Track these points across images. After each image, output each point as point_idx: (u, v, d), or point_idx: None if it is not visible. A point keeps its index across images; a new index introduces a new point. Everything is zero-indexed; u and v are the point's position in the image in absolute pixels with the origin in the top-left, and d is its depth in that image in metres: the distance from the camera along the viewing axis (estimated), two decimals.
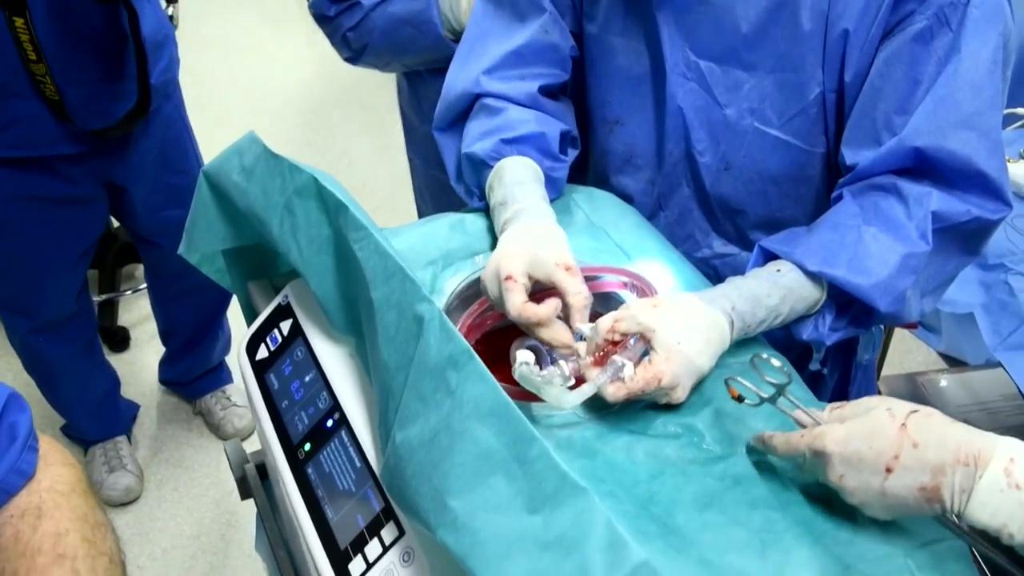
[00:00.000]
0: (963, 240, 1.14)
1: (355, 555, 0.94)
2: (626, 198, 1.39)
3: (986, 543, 0.83)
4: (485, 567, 0.73)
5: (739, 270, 1.16)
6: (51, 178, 2.01)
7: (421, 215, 2.22)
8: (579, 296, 1.05)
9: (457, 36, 1.75)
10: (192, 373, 2.74)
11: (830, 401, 1.11)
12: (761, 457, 0.97)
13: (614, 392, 0.97)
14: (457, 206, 1.33)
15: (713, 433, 1.01)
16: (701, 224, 1.36)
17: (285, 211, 1.07)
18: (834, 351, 1.38)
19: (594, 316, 1.06)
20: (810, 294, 1.11)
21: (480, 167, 1.26)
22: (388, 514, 0.93)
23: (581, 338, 1.05)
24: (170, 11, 4.90)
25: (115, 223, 3.02)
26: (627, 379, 0.97)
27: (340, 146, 4.13)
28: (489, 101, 1.28)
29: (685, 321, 1.02)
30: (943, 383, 2.06)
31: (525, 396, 1.00)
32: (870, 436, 0.85)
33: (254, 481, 1.33)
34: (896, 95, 1.11)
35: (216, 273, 1.32)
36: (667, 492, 0.93)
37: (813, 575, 0.85)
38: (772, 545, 0.88)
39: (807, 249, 1.11)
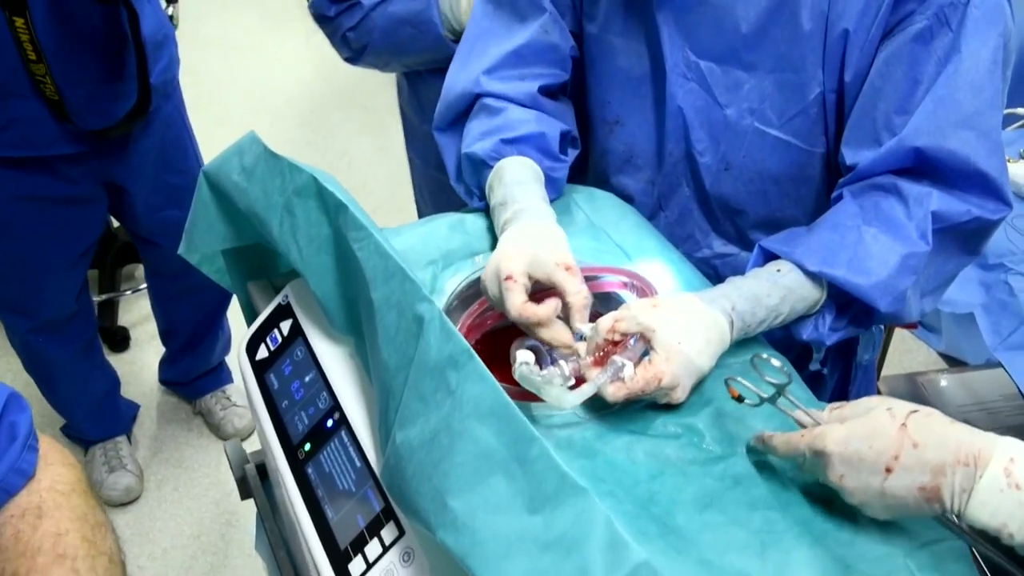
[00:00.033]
0: (963, 240, 1.14)
1: (355, 555, 0.94)
2: (626, 198, 1.39)
3: (986, 543, 0.83)
4: (485, 567, 0.73)
5: (739, 270, 1.16)
6: (51, 178, 2.01)
7: (421, 215, 2.22)
8: (579, 296, 1.05)
9: (457, 36, 1.75)
10: (192, 373, 2.74)
11: (830, 401, 1.11)
12: (761, 457, 0.97)
13: (614, 392, 0.97)
14: (457, 206, 1.33)
15: (713, 433, 1.01)
16: (701, 224, 1.36)
17: (285, 211, 1.07)
18: (834, 351, 1.38)
19: (594, 316, 1.06)
20: (810, 294, 1.11)
21: (480, 167, 1.26)
22: (388, 514, 0.93)
23: (581, 338, 1.05)
24: (170, 11, 4.88)
25: (115, 223, 3.02)
26: (627, 379, 0.97)
27: (340, 146, 4.13)
28: (489, 101, 1.28)
29: (685, 321, 1.02)
30: (943, 383, 2.06)
31: (525, 396, 1.00)
32: (870, 436, 0.85)
33: (254, 481, 1.33)
34: (896, 95, 1.11)
35: (216, 273, 1.32)
36: (667, 492, 0.93)
37: (813, 575, 0.85)
38: (772, 545, 0.88)
39: (807, 249, 1.11)
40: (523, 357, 1.01)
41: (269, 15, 5.13)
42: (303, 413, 1.08)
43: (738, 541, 0.88)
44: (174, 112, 2.18)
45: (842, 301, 1.13)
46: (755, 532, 0.89)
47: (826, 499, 0.92)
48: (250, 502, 1.36)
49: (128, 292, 3.18)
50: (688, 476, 0.95)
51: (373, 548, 0.93)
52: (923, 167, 1.11)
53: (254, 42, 4.96)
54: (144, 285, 2.85)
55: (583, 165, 1.46)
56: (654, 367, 0.98)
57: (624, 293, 1.18)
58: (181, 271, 2.17)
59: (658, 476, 0.95)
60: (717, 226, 1.36)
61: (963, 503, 0.80)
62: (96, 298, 2.97)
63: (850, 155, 1.16)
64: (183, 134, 2.24)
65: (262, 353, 1.19)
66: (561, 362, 1.02)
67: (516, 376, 0.99)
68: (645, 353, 1.00)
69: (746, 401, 0.99)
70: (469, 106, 1.31)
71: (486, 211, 1.27)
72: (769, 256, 1.15)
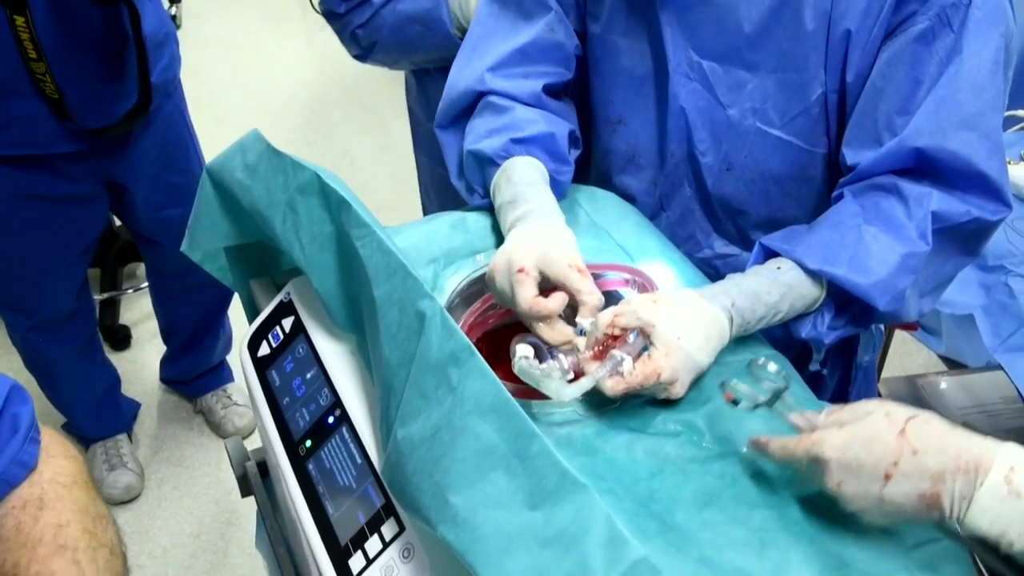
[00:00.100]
0: (962, 241, 1.14)
1: (355, 551, 0.94)
2: (628, 198, 1.39)
3: (985, 550, 0.83)
4: (485, 563, 0.73)
5: (740, 271, 1.16)
6: (51, 176, 2.02)
7: (426, 213, 2.23)
8: (594, 296, 1.05)
9: (465, 34, 1.76)
10: (193, 372, 2.74)
11: (830, 401, 1.11)
12: (759, 457, 0.97)
13: (613, 386, 0.98)
14: (462, 205, 1.33)
15: (713, 431, 1.01)
16: (703, 224, 1.36)
17: (288, 208, 1.07)
18: (834, 352, 1.38)
19: None
20: (809, 292, 1.11)
21: (486, 165, 1.26)
22: (388, 510, 0.93)
23: (581, 332, 1.05)
24: (173, 11, 4.89)
25: (117, 222, 3.02)
26: (626, 373, 0.98)
27: (341, 146, 4.14)
28: (494, 99, 1.28)
29: (685, 317, 1.02)
30: (943, 385, 2.06)
31: (526, 394, 1.00)
32: (869, 442, 0.84)
33: (255, 478, 1.34)
34: (897, 95, 1.11)
35: (218, 271, 1.33)
36: (667, 490, 0.93)
37: (811, 573, 0.85)
38: (771, 543, 0.88)
39: (807, 247, 1.11)
40: (523, 351, 1.01)
41: (269, 15, 5.14)
42: (304, 410, 1.09)
43: (737, 539, 0.88)
44: (175, 111, 2.18)
45: (841, 300, 1.13)
46: (754, 530, 0.89)
47: (825, 498, 0.92)
48: (250, 501, 1.37)
49: (129, 291, 3.18)
50: (688, 474, 0.95)
51: (373, 544, 0.93)
52: (924, 167, 1.11)
53: (254, 42, 4.96)
54: (145, 284, 2.85)
55: (585, 164, 1.46)
56: (653, 362, 0.99)
57: (625, 290, 1.18)
58: (182, 270, 2.18)
59: (658, 474, 0.95)
60: (719, 226, 1.36)
61: (963, 510, 0.80)
62: (97, 297, 2.97)
63: (851, 155, 1.16)
64: (184, 133, 2.24)
65: (264, 350, 1.19)
66: (560, 356, 1.02)
67: (516, 370, 1.00)
68: (645, 348, 1.01)
69: (741, 405, 0.99)
70: (472, 103, 1.31)
71: (489, 210, 1.27)
72: (769, 254, 1.16)
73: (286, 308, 1.20)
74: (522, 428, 0.76)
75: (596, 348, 1.02)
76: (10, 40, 1.77)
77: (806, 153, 1.23)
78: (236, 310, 2.33)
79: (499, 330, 1.16)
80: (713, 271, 1.37)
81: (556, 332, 1.05)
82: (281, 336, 1.18)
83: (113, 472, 2.54)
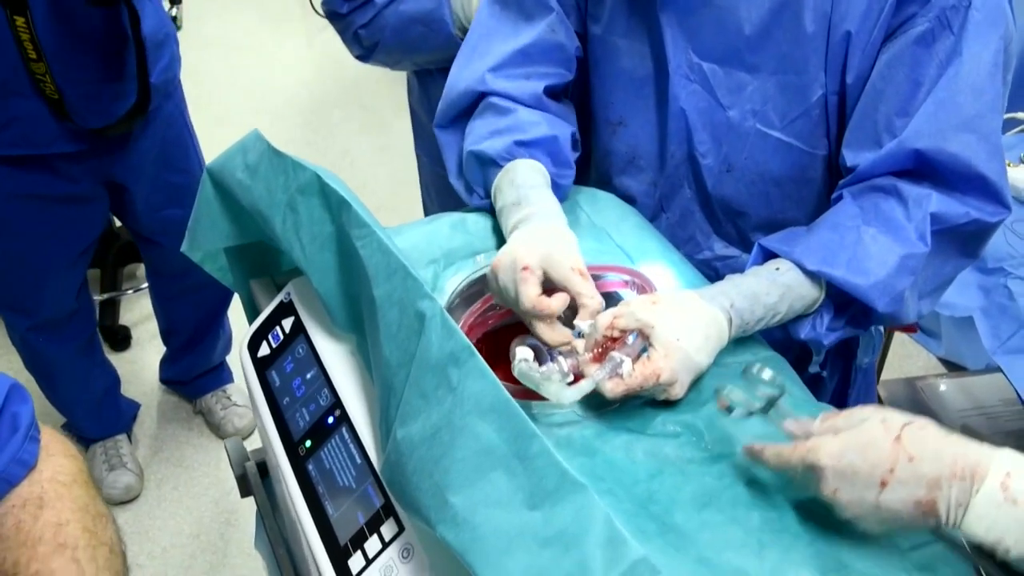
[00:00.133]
0: (962, 242, 1.15)
1: (355, 551, 0.94)
2: (628, 199, 1.39)
3: (982, 556, 0.83)
4: (485, 562, 0.73)
5: (740, 272, 1.16)
6: (51, 176, 2.02)
7: (427, 213, 2.23)
8: (595, 300, 1.05)
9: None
10: (193, 372, 2.74)
11: (830, 403, 1.11)
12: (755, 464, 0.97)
13: (612, 388, 0.98)
14: (464, 204, 1.34)
15: (712, 433, 1.01)
16: (703, 226, 1.37)
17: (288, 208, 1.07)
18: (834, 354, 1.38)
19: None
20: (808, 293, 1.11)
21: (488, 165, 1.25)
22: (388, 510, 0.93)
23: (580, 335, 1.05)
24: (173, 12, 4.88)
25: (117, 223, 3.02)
26: (625, 375, 0.98)
27: (341, 146, 4.14)
28: (496, 100, 1.28)
29: (684, 318, 1.02)
30: (942, 388, 2.06)
31: (526, 395, 1.00)
32: (864, 449, 0.84)
33: (254, 479, 1.34)
34: (897, 97, 1.11)
35: (218, 271, 1.33)
36: (666, 491, 0.93)
37: (810, 575, 0.85)
38: (770, 544, 0.88)
39: (806, 248, 1.11)
40: (522, 354, 1.01)
41: (269, 15, 5.14)
42: (304, 410, 1.09)
43: (736, 540, 0.88)
44: (175, 111, 2.18)
45: (840, 301, 1.13)
46: (753, 531, 0.89)
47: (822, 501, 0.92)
48: (249, 501, 1.37)
49: (130, 291, 3.18)
50: (687, 475, 0.95)
51: (373, 544, 0.93)
52: (923, 169, 1.11)
53: (255, 42, 4.96)
54: (145, 284, 2.85)
55: (585, 166, 1.46)
56: (653, 363, 0.99)
57: (625, 292, 1.19)
58: (182, 270, 2.18)
59: (657, 475, 0.95)
60: (719, 228, 1.36)
61: (959, 517, 0.80)
62: (98, 297, 2.97)
63: (851, 156, 1.16)
64: (184, 133, 2.24)
65: (264, 350, 1.19)
66: (560, 358, 1.02)
67: (515, 372, 1.00)
68: (644, 350, 1.01)
69: (736, 412, 0.98)
70: (472, 104, 1.31)
71: (489, 210, 1.27)
72: (768, 255, 1.16)
73: (286, 308, 1.20)
74: (522, 428, 0.76)
75: (595, 350, 1.02)
76: (10, 40, 1.77)
77: (806, 155, 1.24)
78: (236, 311, 2.33)
79: (499, 331, 1.16)
80: (713, 273, 1.37)
81: (556, 332, 1.05)
82: (281, 336, 1.18)
83: (113, 472, 2.54)
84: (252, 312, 1.34)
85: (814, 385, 1.33)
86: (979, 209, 1.11)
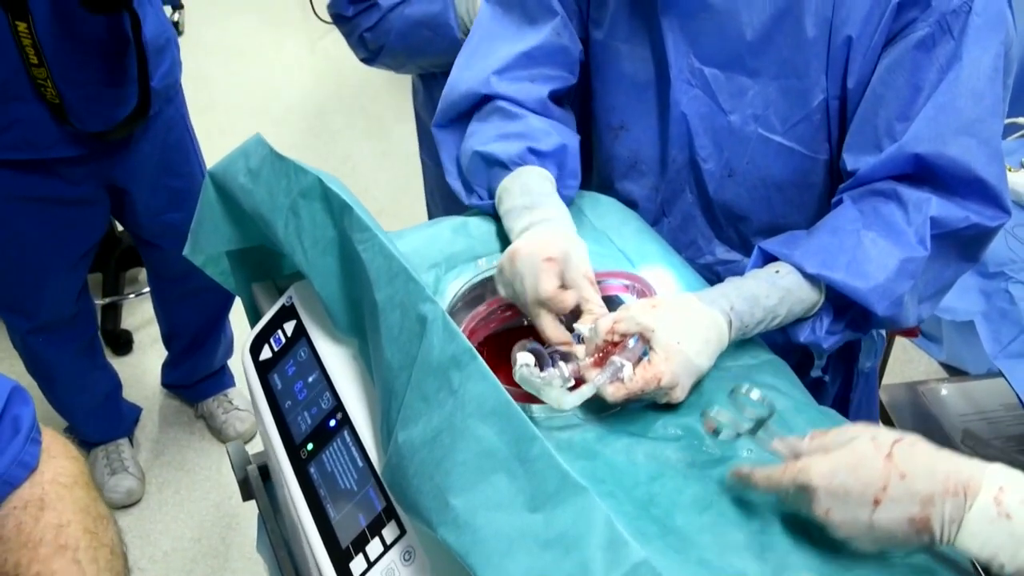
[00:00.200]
0: (961, 246, 1.15)
1: (356, 554, 0.94)
2: (630, 204, 1.39)
3: (975, 574, 0.83)
4: (486, 565, 0.73)
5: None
6: (52, 180, 2.02)
7: (431, 216, 2.23)
8: (600, 310, 1.07)
9: None
10: (194, 376, 2.74)
11: (832, 407, 1.11)
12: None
13: (613, 392, 0.98)
14: (468, 208, 1.34)
15: (713, 435, 1.01)
16: (704, 231, 1.37)
17: (290, 212, 1.08)
18: (835, 358, 1.38)
19: None
20: (808, 296, 1.11)
21: (495, 167, 1.25)
22: (389, 513, 0.94)
23: (580, 339, 1.05)
24: (175, 17, 4.89)
25: (119, 227, 3.03)
26: (626, 379, 0.98)
27: (342, 151, 4.14)
28: (503, 104, 1.28)
29: (684, 321, 1.02)
30: (944, 392, 2.06)
31: (527, 399, 1.00)
32: (855, 468, 0.83)
33: (256, 482, 1.34)
34: (898, 101, 1.12)
35: (220, 275, 1.33)
36: (667, 494, 0.93)
37: None
38: (771, 547, 0.88)
39: (806, 251, 1.12)
40: (523, 359, 1.02)
41: (271, 20, 5.15)
42: (306, 413, 1.09)
43: (737, 543, 0.88)
44: (176, 116, 2.19)
45: (840, 304, 1.13)
46: (754, 534, 0.89)
47: None
48: (251, 505, 1.37)
49: (131, 296, 3.18)
50: (688, 478, 0.95)
51: (374, 547, 0.93)
52: (923, 173, 1.12)
53: (256, 47, 4.97)
54: (147, 289, 2.85)
55: (587, 170, 1.46)
56: (653, 367, 0.99)
57: (625, 296, 1.19)
58: (183, 274, 2.18)
59: (658, 478, 0.95)
60: (720, 232, 1.36)
61: (952, 533, 0.80)
62: (99, 301, 2.98)
63: (851, 161, 1.17)
64: (185, 138, 2.24)
65: (266, 354, 1.19)
66: (561, 363, 1.02)
67: (516, 378, 1.00)
68: (645, 353, 1.01)
69: (723, 434, 0.98)
70: (474, 106, 1.31)
71: (491, 214, 1.27)
72: (768, 258, 1.16)
73: (288, 312, 1.20)
74: (523, 431, 0.77)
75: (596, 355, 1.02)
76: (11, 45, 1.77)
77: (808, 159, 1.24)
78: (237, 314, 2.33)
79: (500, 334, 1.16)
80: (715, 277, 1.37)
81: (559, 330, 1.06)
82: (283, 340, 1.18)
83: (114, 476, 2.54)
84: (254, 316, 1.34)
85: (816, 390, 1.34)
86: (979, 213, 1.11)
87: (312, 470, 1.04)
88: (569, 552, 0.71)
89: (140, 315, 3.18)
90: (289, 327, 1.18)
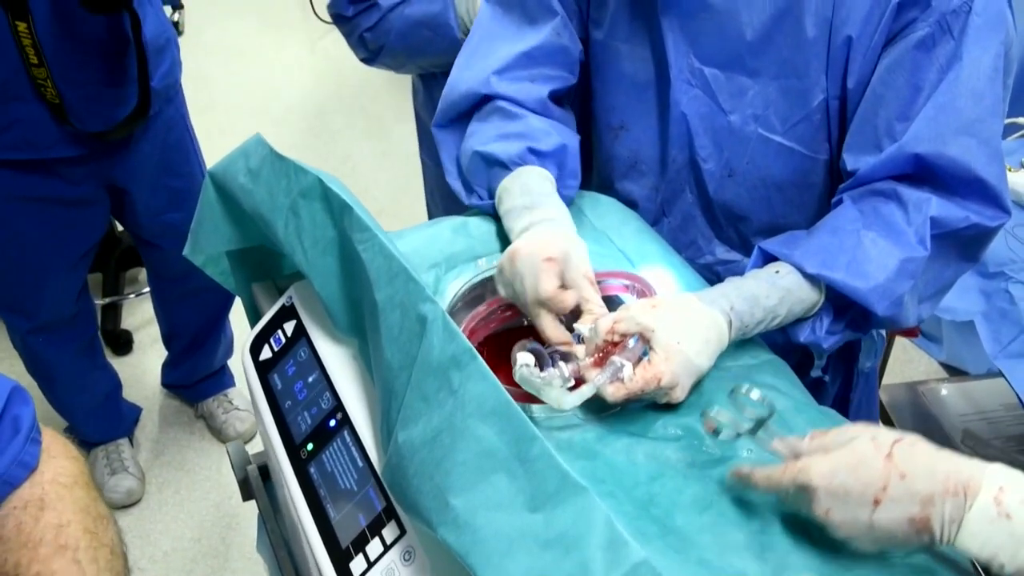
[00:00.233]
0: (961, 246, 1.15)
1: (356, 554, 0.94)
2: (630, 204, 1.39)
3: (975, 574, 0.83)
4: (486, 565, 0.73)
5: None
6: (52, 179, 2.02)
7: (431, 216, 2.23)
8: (601, 310, 1.07)
9: None
10: (194, 376, 2.74)
11: (832, 407, 1.11)
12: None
13: (613, 392, 0.98)
14: (468, 208, 1.34)
15: (713, 435, 1.01)
16: (704, 231, 1.37)
17: (290, 212, 1.08)
18: (836, 358, 1.38)
19: None
20: (808, 296, 1.11)
21: (495, 167, 1.25)
22: (389, 513, 0.94)
23: (580, 339, 1.05)
24: (175, 17, 4.89)
25: (119, 227, 3.03)
26: (626, 379, 0.98)
27: (342, 151, 4.14)
28: (503, 104, 1.28)
29: (684, 321, 1.02)
30: (944, 392, 2.06)
31: (527, 399, 1.00)
32: (855, 468, 0.83)
33: (256, 482, 1.34)
34: (897, 101, 1.12)
35: (220, 275, 1.33)
36: (667, 494, 0.93)
37: None
38: (771, 547, 0.88)
39: (806, 251, 1.12)
40: (523, 359, 1.01)
41: (271, 21, 5.15)
42: (306, 413, 1.09)
43: (737, 543, 0.88)
44: (176, 116, 2.19)
45: (840, 304, 1.13)
46: (754, 534, 0.89)
47: None
48: (251, 505, 1.37)
49: (131, 296, 3.18)
50: (688, 478, 0.95)
51: (374, 547, 0.93)
52: (923, 173, 1.12)
53: (256, 47, 4.97)
54: (147, 289, 2.85)
55: (587, 170, 1.46)
56: (653, 367, 0.99)
57: (625, 296, 1.19)
58: (183, 274, 2.18)
59: (658, 478, 0.95)
60: (720, 233, 1.36)
61: (952, 534, 0.80)
62: (99, 301, 2.98)
63: (851, 161, 1.17)
64: (185, 138, 2.25)
65: (266, 354, 1.19)
66: (561, 363, 1.02)
67: (516, 378, 1.00)
68: (645, 353, 1.01)
69: (723, 434, 0.98)
70: (474, 106, 1.31)
71: (491, 214, 1.27)
72: (768, 258, 1.16)
73: (288, 312, 1.20)
74: (523, 431, 0.77)
75: (596, 355, 1.02)
76: (11, 45, 1.77)
77: (808, 159, 1.24)
78: (237, 314, 2.33)
79: (500, 334, 1.16)
80: (715, 277, 1.36)
81: (559, 330, 1.07)
82: (283, 340, 1.18)
83: (114, 476, 2.54)
84: (254, 316, 1.34)
85: (816, 389, 1.33)
86: (979, 213, 1.11)
87: (312, 470, 1.04)
88: (569, 552, 0.71)
89: (140, 315, 3.18)
90: (289, 327, 1.18)
